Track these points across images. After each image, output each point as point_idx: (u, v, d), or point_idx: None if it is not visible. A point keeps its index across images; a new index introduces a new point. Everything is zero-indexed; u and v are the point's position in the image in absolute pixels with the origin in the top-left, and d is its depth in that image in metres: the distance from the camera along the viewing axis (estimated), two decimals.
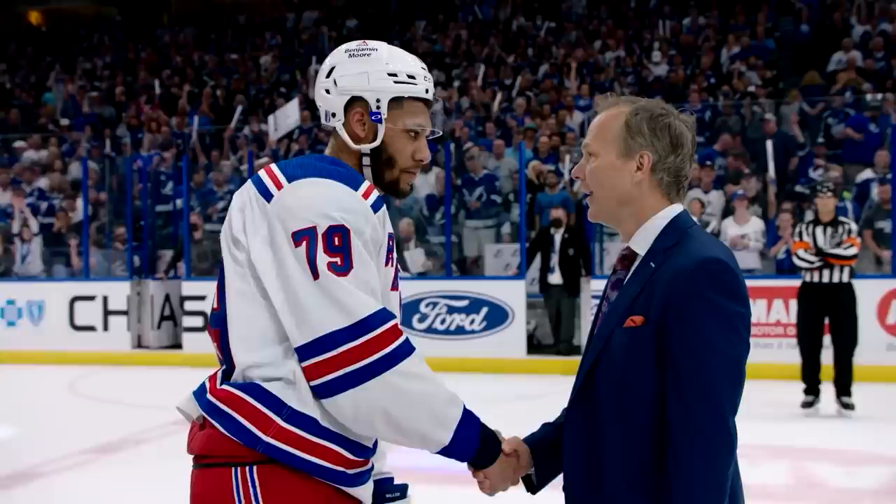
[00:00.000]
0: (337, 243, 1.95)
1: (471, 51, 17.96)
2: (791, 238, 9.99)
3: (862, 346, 8.06)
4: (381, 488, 2.28)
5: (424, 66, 2.20)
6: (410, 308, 10.91)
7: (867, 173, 11.44)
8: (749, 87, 14.23)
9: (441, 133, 2.28)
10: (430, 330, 10.93)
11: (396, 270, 2.21)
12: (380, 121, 2.12)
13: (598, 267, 11.04)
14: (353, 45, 2.19)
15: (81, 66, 20.83)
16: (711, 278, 1.82)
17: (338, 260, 1.95)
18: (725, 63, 15.53)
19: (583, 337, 10.83)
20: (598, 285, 10.52)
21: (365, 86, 2.12)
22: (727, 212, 11.13)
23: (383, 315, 1.96)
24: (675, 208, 1.97)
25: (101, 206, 13.95)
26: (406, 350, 1.96)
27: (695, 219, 9.48)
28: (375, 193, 2.09)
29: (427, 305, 11.00)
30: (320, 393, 1.94)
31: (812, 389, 8.01)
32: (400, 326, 2.01)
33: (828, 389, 8.29)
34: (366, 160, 2.15)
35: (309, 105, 16.64)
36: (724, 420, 1.78)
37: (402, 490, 2.32)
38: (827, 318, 7.91)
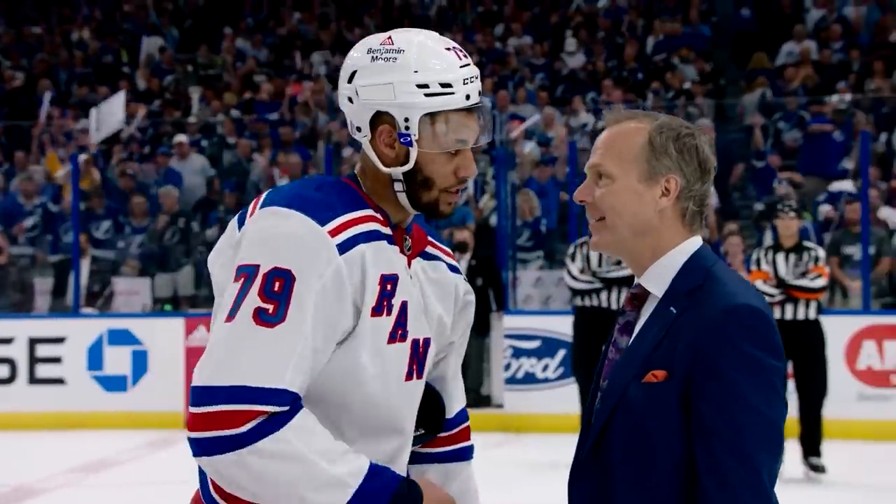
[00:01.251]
0: (276, 289, 2.01)
1: (342, 33, 17.94)
2: (744, 267, 10.34)
3: (829, 395, 8.33)
4: None
5: (465, 58, 2.20)
6: None
7: (833, 187, 11.90)
8: (684, 83, 14.65)
9: (490, 140, 2.31)
10: None
11: (400, 319, 2.19)
12: (410, 143, 2.15)
13: (512, 300, 11.14)
14: (376, 41, 2.18)
15: None
16: (745, 329, 1.92)
17: (270, 308, 2.01)
18: (653, 54, 15.97)
19: (493, 385, 10.88)
20: (513, 323, 10.65)
21: (391, 100, 2.14)
22: None
23: (281, 398, 2.01)
24: (695, 242, 2.06)
25: None
26: (272, 427, 2.00)
27: None
28: (356, 230, 2.12)
29: None
30: (191, 449, 2.05)
31: None
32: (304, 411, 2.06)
33: (791, 448, 8.52)
34: (398, 185, 2.19)
35: (139, 97, 16.31)
36: (763, 485, 1.90)
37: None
38: (790, 361, 8.13)
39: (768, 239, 10.38)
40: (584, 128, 13.88)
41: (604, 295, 8.73)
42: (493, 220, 12.35)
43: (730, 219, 11.87)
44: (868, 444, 9.31)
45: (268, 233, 2.07)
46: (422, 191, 2.19)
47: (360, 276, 2.10)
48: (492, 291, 11.14)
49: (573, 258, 8.98)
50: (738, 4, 17.11)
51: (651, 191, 2.03)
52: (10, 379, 10.93)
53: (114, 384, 10.93)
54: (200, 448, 2.04)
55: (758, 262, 8.40)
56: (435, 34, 2.22)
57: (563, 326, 9.93)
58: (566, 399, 9.44)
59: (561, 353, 10.26)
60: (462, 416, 2.50)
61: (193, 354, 10.77)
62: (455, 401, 2.47)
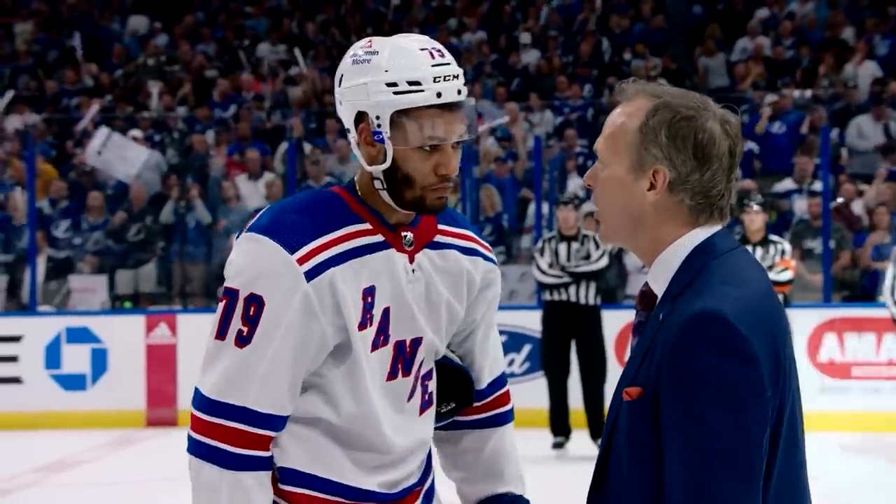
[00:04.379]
0: (251, 313, 2.23)
1: (291, 29, 17.80)
2: None
3: None
4: None
5: (441, 57, 2.26)
6: None
7: (786, 184, 12.12)
8: (644, 78, 14.77)
9: (474, 137, 2.37)
10: None
11: (382, 325, 2.34)
12: (382, 140, 2.25)
13: None
14: (360, 46, 2.32)
15: None
16: (703, 336, 1.72)
17: (245, 330, 2.24)
18: (608, 50, 16.09)
19: None
20: None
21: (365, 100, 2.26)
22: None
23: (244, 416, 2.23)
24: (700, 234, 1.85)
25: None
26: (238, 464, 2.23)
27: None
28: (325, 255, 2.25)
29: None
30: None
31: None
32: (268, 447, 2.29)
33: None
34: (377, 183, 2.30)
35: (91, 92, 16.08)
36: None
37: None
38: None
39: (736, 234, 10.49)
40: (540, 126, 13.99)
41: (572, 289, 8.88)
42: None
43: None
44: (830, 434, 9.42)
45: (244, 259, 2.27)
46: (403, 188, 2.29)
47: (331, 300, 2.25)
48: None
49: (542, 252, 9.11)
50: (689, 1, 17.33)
51: (639, 182, 1.84)
52: None
53: (73, 383, 10.76)
54: (190, 447, 2.29)
55: None
56: (419, 37, 2.33)
57: (529, 321, 10.01)
58: (533, 394, 9.52)
59: (527, 348, 10.35)
60: (497, 385, 2.61)
61: (154, 352, 10.71)
62: (485, 372, 2.58)
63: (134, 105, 15.78)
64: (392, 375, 2.36)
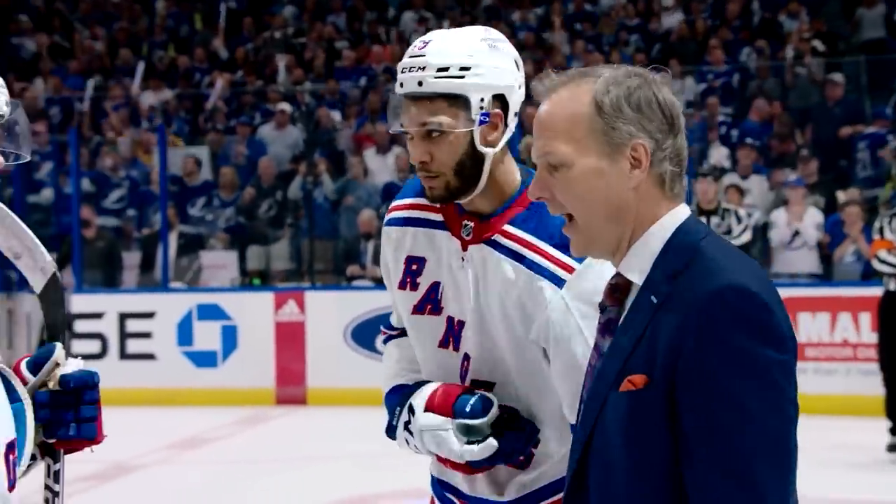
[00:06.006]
0: None
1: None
2: (860, 235, 9.99)
3: None
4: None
5: (422, 48, 2.41)
6: (372, 326, 10.45)
7: None
8: (797, 42, 14.09)
9: (399, 129, 2.49)
10: None
11: (430, 296, 2.57)
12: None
13: None
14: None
15: None
16: (735, 316, 1.62)
17: None
18: (758, 11, 15.50)
19: None
20: None
21: None
22: (774, 202, 11.20)
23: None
24: (678, 213, 1.77)
25: None
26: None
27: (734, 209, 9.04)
28: (394, 214, 2.64)
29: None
30: None
31: None
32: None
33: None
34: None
35: (221, 66, 16.24)
36: None
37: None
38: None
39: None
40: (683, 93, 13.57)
41: None
42: None
43: (841, 186, 11.45)
44: None
45: None
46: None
47: (391, 253, 2.64)
48: None
49: (881, 233, 8.48)
50: None
51: (617, 166, 1.73)
52: (101, 354, 10.95)
53: (204, 360, 10.93)
54: None
55: (881, 231, 8.10)
56: (458, 29, 2.48)
57: None
58: None
59: None
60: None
61: (283, 330, 10.77)
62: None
63: (263, 79, 15.87)
64: (444, 345, 2.57)
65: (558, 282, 2.40)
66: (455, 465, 2.48)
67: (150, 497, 7.41)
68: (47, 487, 2.21)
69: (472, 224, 2.48)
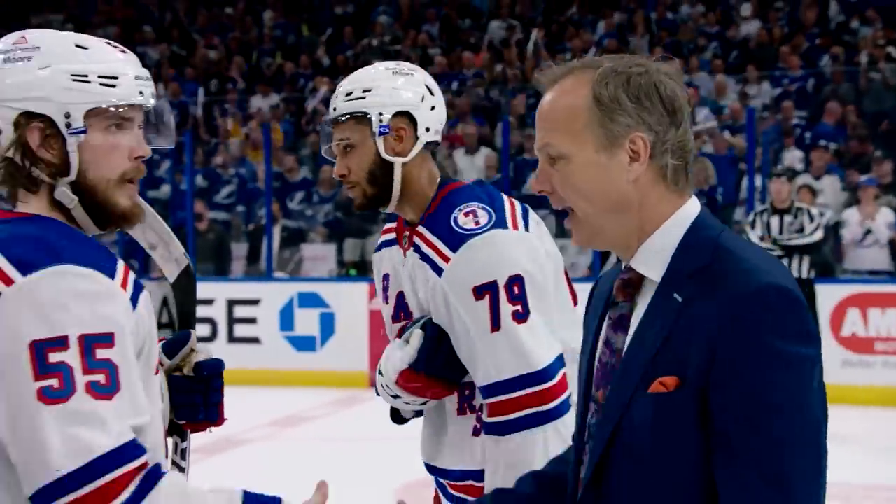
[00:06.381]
0: None
1: (514, 9, 17.85)
2: None
3: None
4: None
5: (340, 84, 2.85)
6: None
7: None
8: (871, 48, 14.12)
9: (328, 147, 2.83)
10: None
11: (401, 307, 2.86)
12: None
13: None
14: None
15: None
16: (773, 317, 1.58)
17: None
18: (835, 17, 15.55)
19: None
20: None
21: None
22: (847, 202, 11.36)
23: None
24: (691, 208, 1.72)
25: None
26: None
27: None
28: (380, 238, 3.02)
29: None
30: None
31: None
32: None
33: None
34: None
35: (323, 72, 16.63)
36: None
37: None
38: None
39: None
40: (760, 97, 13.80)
41: (784, 263, 8.76)
42: None
43: None
44: (851, 408, 8.78)
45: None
46: None
47: (375, 273, 2.97)
48: None
49: (752, 225, 9.26)
50: None
51: (616, 159, 1.68)
52: (212, 337, 11.40)
53: (304, 344, 11.28)
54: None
55: None
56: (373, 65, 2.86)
57: None
58: None
59: None
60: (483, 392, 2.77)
61: (376, 317, 10.86)
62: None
63: None
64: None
65: (439, 271, 2.66)
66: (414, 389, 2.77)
67: (255, 469, 7.43)
68: (174, 464, 2.24)
69: (407, 233, 2.77)
